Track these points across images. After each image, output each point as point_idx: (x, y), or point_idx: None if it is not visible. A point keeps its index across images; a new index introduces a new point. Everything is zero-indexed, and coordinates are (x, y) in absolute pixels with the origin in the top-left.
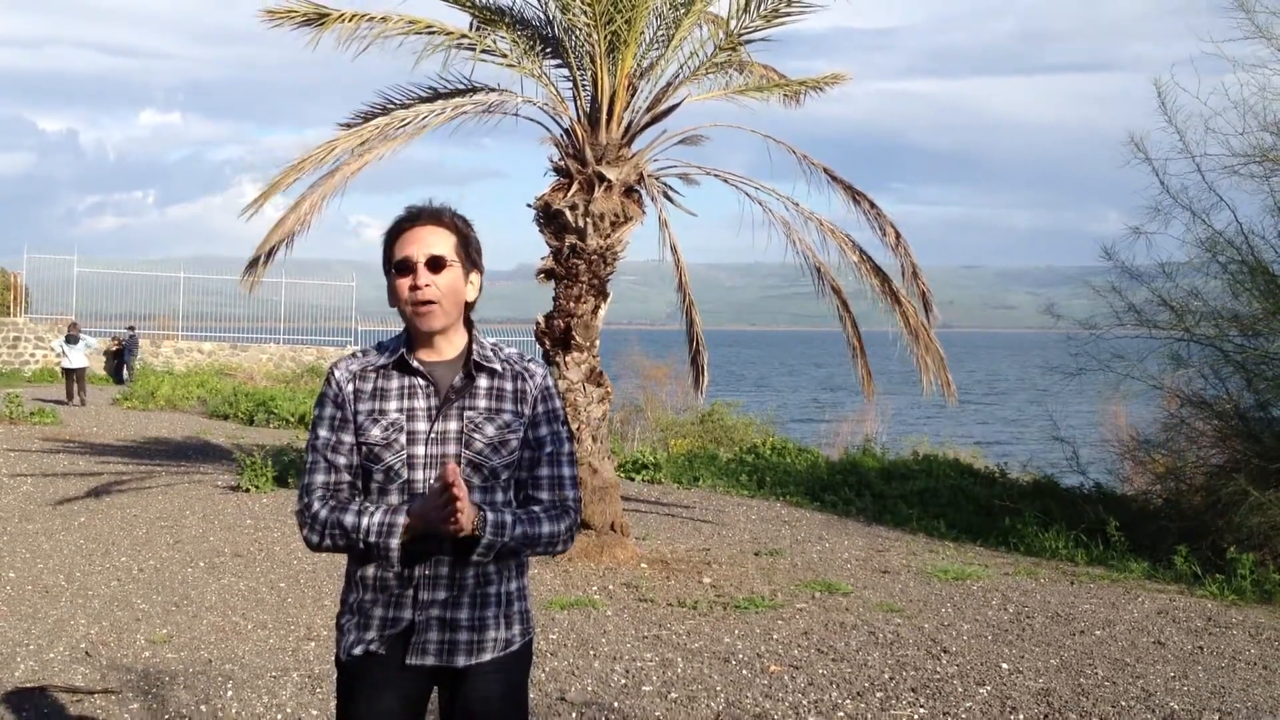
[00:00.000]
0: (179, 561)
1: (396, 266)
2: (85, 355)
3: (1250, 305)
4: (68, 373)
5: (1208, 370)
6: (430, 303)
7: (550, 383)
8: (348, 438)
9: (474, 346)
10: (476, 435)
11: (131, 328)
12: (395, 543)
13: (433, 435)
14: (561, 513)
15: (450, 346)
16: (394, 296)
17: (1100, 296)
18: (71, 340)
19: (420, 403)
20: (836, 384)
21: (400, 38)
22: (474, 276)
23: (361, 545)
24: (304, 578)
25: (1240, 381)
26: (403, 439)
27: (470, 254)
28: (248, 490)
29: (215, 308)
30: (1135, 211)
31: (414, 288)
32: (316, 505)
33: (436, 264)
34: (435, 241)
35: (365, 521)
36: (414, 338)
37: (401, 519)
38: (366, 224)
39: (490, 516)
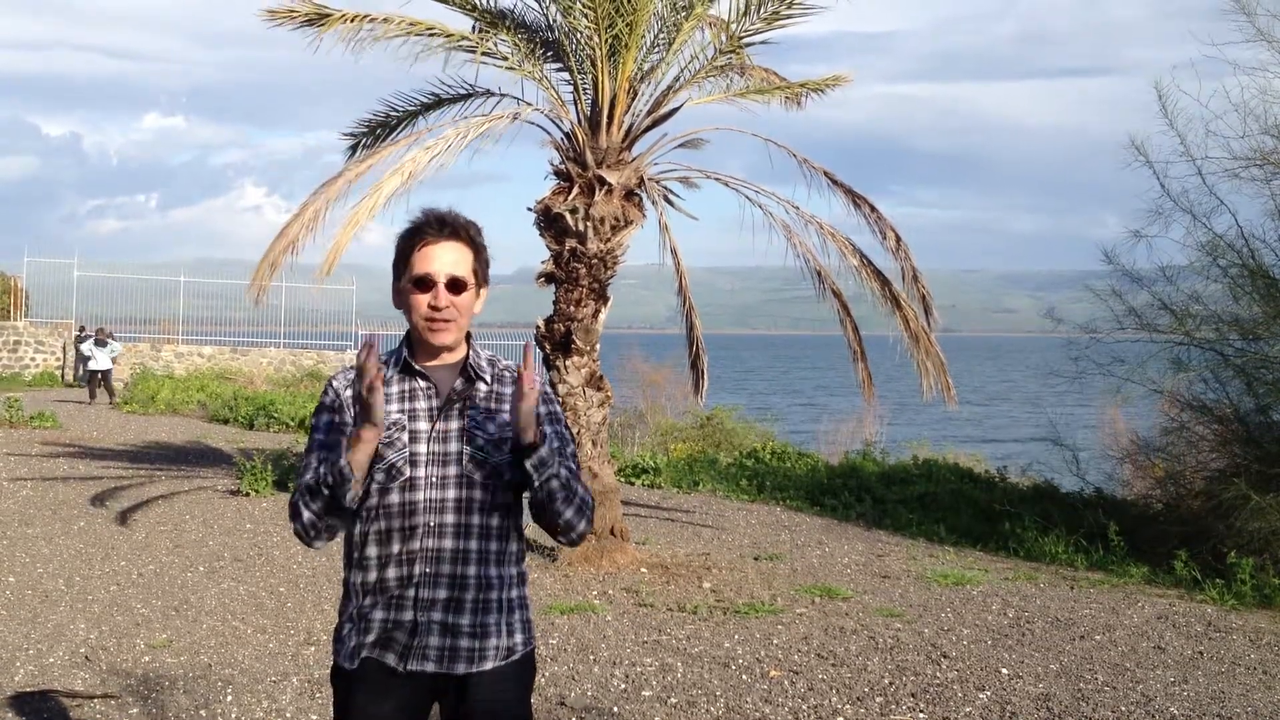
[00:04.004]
0: (178, 566)
1: (416, 282)
2: (110, 358)
3: (1251, 309)
4: (93, 374)
5: (1208, 374)
6: (448, 321)
7: (548, 389)
8: (344, 440)
9: (470, 354)
10: (479, 432)
11: (83, 328)
12: (344, 460)
13: (434, 434)
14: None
15: (451, 353)
16: (403, 301)
17: (1100, 300)
18: (100, 344)
19: (421, 404)
20: (802, 386)
21: (402, 39)
22: (483, 292)
23: (324, 489)
24: (304, 582)
25: (1240, 385)
26: (405, 437)
27: (483, 270)
28: (247, 494)
29: (215, 311)
30: (1135, 215)
31: (434, 306)
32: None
33: (457, 285)
34: (456, 260)
35: (322, 469)
36: (416, 345)
37: (344, 440)
38: (368, 229)
39: (550, 435)
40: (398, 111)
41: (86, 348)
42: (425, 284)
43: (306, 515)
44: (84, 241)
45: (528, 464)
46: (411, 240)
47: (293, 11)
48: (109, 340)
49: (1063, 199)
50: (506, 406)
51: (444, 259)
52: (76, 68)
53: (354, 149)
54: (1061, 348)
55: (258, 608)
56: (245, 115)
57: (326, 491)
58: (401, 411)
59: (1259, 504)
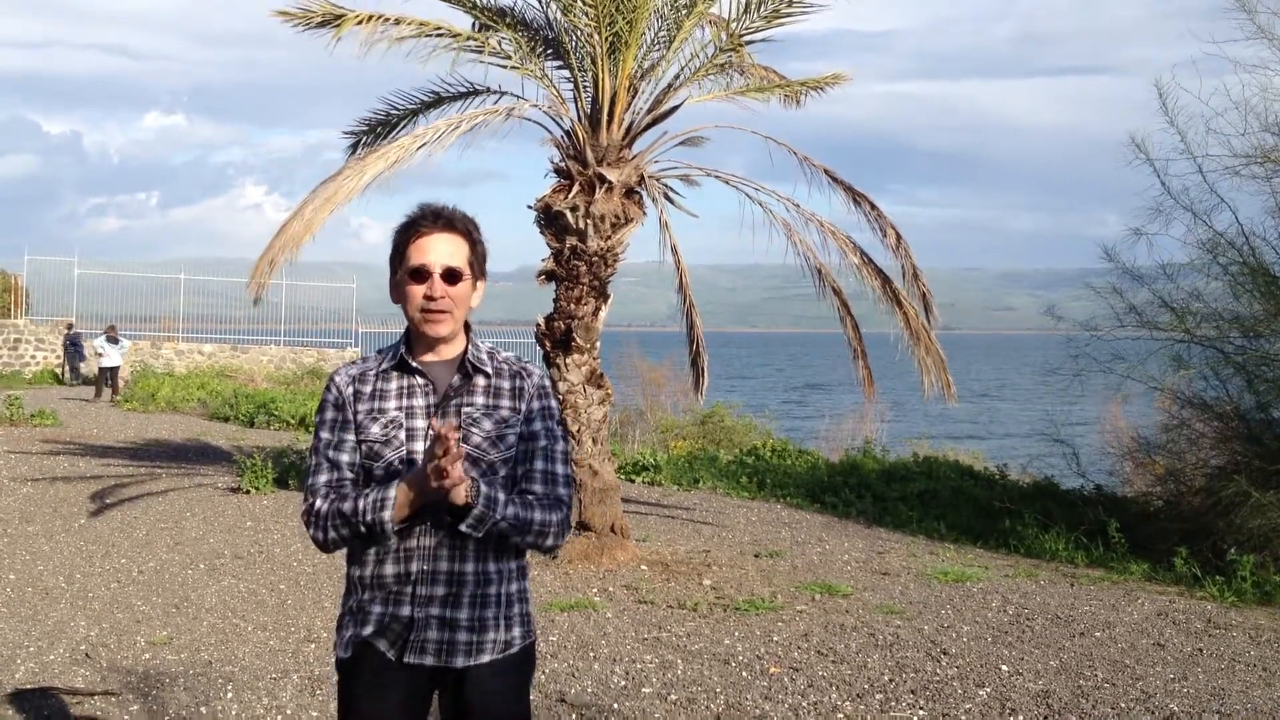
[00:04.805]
0: (179, 563)
1: (412, 273)
2: (120, 355)
3: (1251, 307)
4: (103, 370)
5: (1208, 372)
6: (443, 312)
7: (547, 383)
8: (349, 437)
9: (470, 348)
10: (474, 429)
11: (70, 326)
12: (388, 515)
13: (430, 431)
14: (554, 504)
15: (449, 348)
16: (400, 295)
17: (1101, 298)
18: (111, 341)
19: (419, 401)
20: (797, 384)
21: (414, 39)
22: (480, 285)
23: (362, 528)
24: (304, 580)
25: (1241, 383)
26: (402, 435)
27: (479, 262)
28: (248, 492)
29: (216, 309)
30: (1136, 213)
31: (429, 297)
32: (319, 503)
33: (452, 276)
34: (451, 251)
35: (361, 503)
36: (414, 340)
37: (393, 491)
38: (367, 226)
39: (483, 488)
40: (398, 110)
41: (99, 344)
42: (421, 275)
43: (332, 534)
44: (84, 240)
45: (463, 526)
46: (407, 233)
47: (309, 13)
48: (119, 338)
49: (1062, 197)
50: (505, 401)
51: (439, 250)
52: (77, 66)
53: (354, 147)
54: (1061, 345)
55: (258, 605)
56: (246, 114)
57: (363, 530)
58: (399, 409)
59: (1259, 501)
